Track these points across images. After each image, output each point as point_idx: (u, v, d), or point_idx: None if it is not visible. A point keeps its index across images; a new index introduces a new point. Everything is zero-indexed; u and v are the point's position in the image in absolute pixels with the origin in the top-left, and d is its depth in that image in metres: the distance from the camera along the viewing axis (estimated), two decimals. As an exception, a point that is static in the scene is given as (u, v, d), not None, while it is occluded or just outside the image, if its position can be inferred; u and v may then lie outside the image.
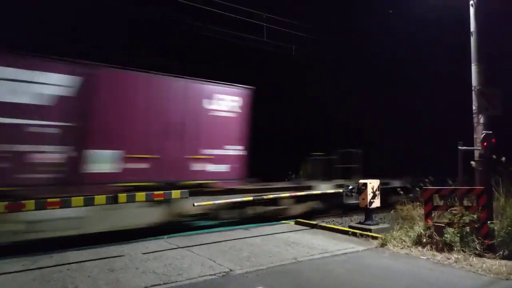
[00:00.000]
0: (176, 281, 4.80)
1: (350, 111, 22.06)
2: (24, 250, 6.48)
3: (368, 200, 7.97)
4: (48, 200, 6.27)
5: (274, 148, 23.85)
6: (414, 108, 19.58)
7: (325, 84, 22.17)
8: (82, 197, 6.74)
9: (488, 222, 6.03)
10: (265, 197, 8.69)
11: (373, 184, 8.07)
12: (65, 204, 6.30)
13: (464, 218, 6.20)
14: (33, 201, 6.00)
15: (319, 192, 10.06)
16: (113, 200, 7.14)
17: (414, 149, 19.32)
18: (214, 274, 5.07)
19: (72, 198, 6.50)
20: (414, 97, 19.86)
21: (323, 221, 9.68)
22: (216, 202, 7.92)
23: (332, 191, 9.88)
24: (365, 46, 19.99)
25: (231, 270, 5.27)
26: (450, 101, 16.81)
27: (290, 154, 22.35)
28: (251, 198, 8.46)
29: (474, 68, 6.76)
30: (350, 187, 8.49)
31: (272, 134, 24.87)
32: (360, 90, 21.56)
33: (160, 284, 4.68)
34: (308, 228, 8.51)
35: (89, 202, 6.63)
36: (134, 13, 12.80)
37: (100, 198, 6.76)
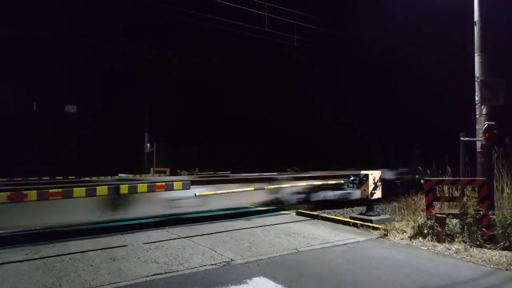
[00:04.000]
0: (177, 270, 4.84)
1: (347, 106, 22.09)
2: (27, 239, 6.57)
3: (370, 191, 7.98)
4: (50, 190, 6.30)
5: (270, 143, 23.95)
6: (411, 102, 19.58)
7: (323, 79, 22.18)
8: (84, 188, 6.76)
9: (489, 213, 6.03)
10: (266, 187, 8.70)
11: (374, 175, 8.07)
12: (67, 195, 6.33)
13: (465, 209, 6.19)
14: (35, 191, 6.03)
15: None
16: (115, 190, 7.16)
17: (412, 141, 19.37)
18: (215, 264, 5.11)
19: (74, 189, 6.53)
20: (410, 91, 19.85)
21: (325, 212, 9.70)
22: (218, 192, 7.94)
23: None
24: (361, 40, 19.93)
25: (232, 260, 5.30)
26: (449, 94, 16.78)
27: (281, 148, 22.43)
28: (252, 189, 8.48)
29: (477, 58, 6.69)
30: (352, 178, 8.49)
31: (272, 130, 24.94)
32: (357, 85, 21.57)
33: (161, 273, 4.72)
34: (310, 218, 8.54)
35: (90, 193, 6.65)
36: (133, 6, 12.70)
37: (101, 189, 6.78)
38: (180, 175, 17.66)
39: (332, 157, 21.81)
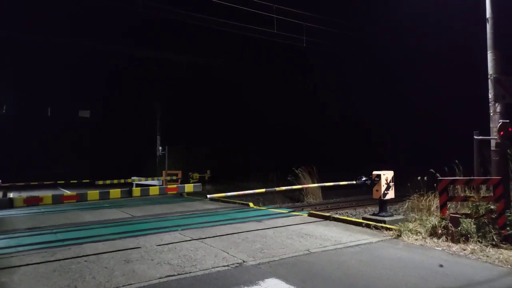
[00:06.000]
0: (190, 272, 4.87)
1: (358, 106, 22.00)
2: (43, 242, 6.70)
3: (382, 192, 7.91)
4: (65, 194, 6.43)
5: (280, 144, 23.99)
6: (421, 102, 19.40)
7: (333, 79, 22.13)
8: (97, 191, 6.88)
9: (506, 212, 5.92)
10: (277, 189, 8.71)
11: (387, 175, 8.00)
12: (81, 198, 6.45)
13: (480, 208, 6.09)
14: (51, 195, 6.16)
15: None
16: (128, 194, 7.27)
17: (423, 142, 19.17)
18: (228, 265, 5.13)
19: (88, 192, 6.64)
20: (420, 91, 19.67)
21: (337, 213, 9.67)
22: (229, 194, 7.98)
23: None
24: (372, 40, 19.83)
25: (244, 261, 5.32)
26: (460, 93, 16.55)
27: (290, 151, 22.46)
28: (263, 190, 8.50)
29: (490, 55, 6.58)
30: (364, 178, 8.42)
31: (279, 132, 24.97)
32: (367, 85, 21.49)
33: (174, 275, 4.77)
34: (321, 219, 8.50)
35: (104, 196, 6.77)
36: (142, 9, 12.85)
37: (115, 192, 6.89)
38: (192, 177, 17.79)
39: (341, 156, 21.69)
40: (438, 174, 7.06)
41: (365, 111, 21.99)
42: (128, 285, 4.46)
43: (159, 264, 5.26)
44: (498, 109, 6.43)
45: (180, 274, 4.79)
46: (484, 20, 6.66)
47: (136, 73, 23.06)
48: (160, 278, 4.66)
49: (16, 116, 23.54)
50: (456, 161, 7.56)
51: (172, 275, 4.76)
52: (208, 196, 7.76)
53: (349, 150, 22.90)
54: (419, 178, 8.12)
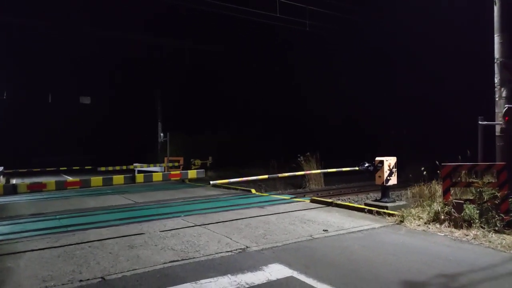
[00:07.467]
0: (194, 257, 4.90)
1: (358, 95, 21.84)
2: (47, 228, 6.74)
3: (385, 178, 7.89)
4: (68, 180, 6.44)
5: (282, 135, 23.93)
6: (423, 90, 19.24)
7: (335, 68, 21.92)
8: (101, 178, 6.90)
9: (509, 198, 5.91)
10: (279, 175, 8.71)
11: (389, 161, 7.97)
12: (84, 184, 6.46)
13: (484, 194, 6.08)
14: (54, 181, 6.17)
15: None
16: (131, 180, 7.28)
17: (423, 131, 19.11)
18: (231, 251, 5.16)
19: (91, 178, 6.66)
20: (422, 79, 19.50)
21: (339, 199, 9.68)
22: (232, 180, 7.98)
23: None
24: (374, 25, 19.54)
25: (247, 247, 5.34)
26: (463, 81, 16.39)
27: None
28: (266, 176, 8.50)
29: (497, 39, 6.47)
30: (366, 164, 8.40)
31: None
32: (368, 74, 21.30)
33: (178, 260, 4.80)
34: (324, 206, 8.52)
35: (107, 182, 6.78)
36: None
37: (118, 178, 6.90)
38: (194, 164, 17.82)
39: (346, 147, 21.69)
40: (437, 162, 7.05)
41: (366, 100, 21.87)
42: (132, 270, 4.49)
43: (163, 249, 5.29)
44: (503, 94, 6.35)
45: (184, 260, 4.82)
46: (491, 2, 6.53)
47: (137, 60, 22.87)
48: (164, 263, 4.69)
49: (18, 103, 23.49)
50: (459, 148, 7.53)
51: (176, 261, 4.79)
52: (211, 182, 7.76)
53: (352, 138, 22.85)
54: (422, 169, 8.12)
